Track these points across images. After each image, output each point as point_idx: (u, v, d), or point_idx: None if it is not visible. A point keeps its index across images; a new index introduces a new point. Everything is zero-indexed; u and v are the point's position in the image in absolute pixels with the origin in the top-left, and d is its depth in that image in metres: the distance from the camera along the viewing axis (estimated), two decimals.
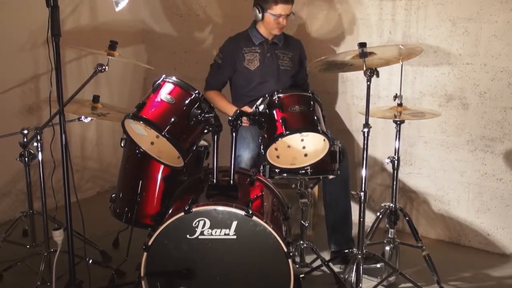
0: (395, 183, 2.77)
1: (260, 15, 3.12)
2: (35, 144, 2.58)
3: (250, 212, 2.12)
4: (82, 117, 2.82)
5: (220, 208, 2.15)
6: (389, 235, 2.79)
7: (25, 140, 2.74)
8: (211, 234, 2.16)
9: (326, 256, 3.06)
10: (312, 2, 3.63)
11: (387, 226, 2.82)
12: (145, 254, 2.18)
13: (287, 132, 2.27)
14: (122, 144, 2.85)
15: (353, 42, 3.51)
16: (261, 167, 2.67)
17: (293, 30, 3.62)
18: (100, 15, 3.94)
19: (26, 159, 2.75)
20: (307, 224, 2.79)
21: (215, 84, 3.30)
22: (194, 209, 2.14)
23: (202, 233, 2.16)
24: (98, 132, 4.17)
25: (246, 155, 2.96)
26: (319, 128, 2.30)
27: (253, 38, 3.23)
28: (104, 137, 4.23)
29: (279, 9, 3.05)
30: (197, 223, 2.15)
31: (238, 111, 2.33)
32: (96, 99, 2.91)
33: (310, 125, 2.33)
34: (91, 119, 2.85)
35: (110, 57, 2.67)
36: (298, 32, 3.63)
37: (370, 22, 3.45)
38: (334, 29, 3.59)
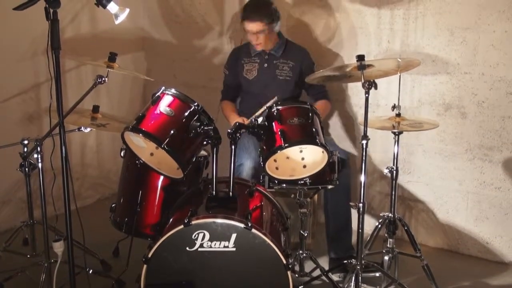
0: (393, 193, 2.78)
1: (243, 29, 3.23)
2: (35, 155, 2.58)
3: (250, 224, 2.13)
4: (82, 127, 2.83)
5: (220, 220, 2.17)
6: (388, 245, 2.80)
7: (25, 150, 2.76)
8: (211, 247, 2.17)
9: (325, 264, 3.08)
10: (311, 11, 3.64)
11: (386, 235, 2.83)
12: (145, 266, 2.19)
13: (286, 145, 2.28)
14: (122, 154, 2.87)
15: (352, 50, 3.53)
16: (261, 178, 2.69)
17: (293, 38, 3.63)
18: (99, 23, 3.95)
19: (27, 169, 2.77)
20: (306, 234, 2.80)
21: (226, 94, 3.47)
22: (193, 222, 2.15)
23: (201, 245, 2.17)
24: (98, 139, 4.18)
25: (248, 164, 2.97)
26: (317, 140, 2.31)
27: (251, 49, 3.31)
28: (104, 144, 4.24)
29: (246, 25, 3.15)
30: (197, 235, 2.16)
31: (237, 124, 2.34)
32: (96, 109, 2.92)
33: (308, 138, 2.34)
34: (91, 130, 2.86)
35: (109, 70, 2.68)
36: (297, 41, 3.64)
37: (369, 31, 3.47)
38: (333, 38, 3.60)
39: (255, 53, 3.29)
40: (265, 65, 3.27)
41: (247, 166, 2.94)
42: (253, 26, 3.11)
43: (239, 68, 3.32)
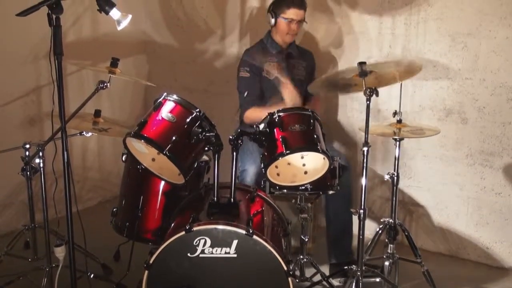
0: (394, 199, 2.78)
1: (273, 20, 3.19)
2: (37, 160, 2.59)
3: (251, 231, 2.13)
4: (84, 132, 2.84)
5: (221, 227, 2.17)
6: (389, 250, 2.81)
7: (27, 154, 2.76)
8: (212, 253, 2.17)
9: (326, 269, 3.08)
10: (313, 15, 3.64)
11: (386, 240, 2.83)
12: (146, 272, 2.19)
13: (287, 152, 2.28)
14: (123, 159, 2.87)
15: (353, 55, 3.54)
16: (262, 183, 2.69)
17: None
18: (101, 26, 3.95)
19: (28, 173, 2.77)
20: (306, 239, 2.80)
21: (252, 100, 3.21)
22: (195, 228, 2.15)
23: (203, 251, 2.17)
24: (99, 142, 4.19)
25: (252, 170, 2.98)
26: (318, 147, 2.31)
27: (270, 48, 3.28)
28: (106, 147, 4.25)
29: (291, 13, 3.13)
30: (198, 241, 2.16)
31: (239, 131, 2.35)
32: (97, 113, 2.93)
33: (310, 145, 2.34)
34: (93, 134, 2.87)
35: (111, 75, 2.69)
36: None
37: (370, 36, 3.47)
38: (334, 42, 3.61)
39: (276, 51, 3.26)
40: (284, 64, 3.26)
41: (251, 172, 2.94)
42: (299, 14, 3.14)
43: (258, 69, 3.25)
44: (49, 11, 2.01)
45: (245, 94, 3.22)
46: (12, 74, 3.47)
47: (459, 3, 3.14)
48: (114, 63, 2.74)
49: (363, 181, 2.46)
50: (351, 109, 3.63)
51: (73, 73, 3.85)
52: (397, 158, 2.75)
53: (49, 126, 2.39)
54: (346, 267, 2.83)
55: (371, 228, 3.44)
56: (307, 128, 2.36)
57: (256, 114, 3.07)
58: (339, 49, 3.60)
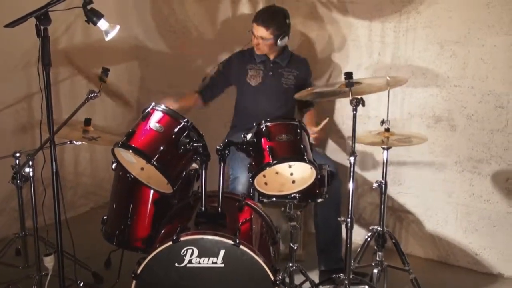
0: (383, 206, 2.80)
1: (250, 33, 3.24)
2: (27, 170, 2.60)
3: (238, 241, 2.15)
4: (74, 141, 2.85)
5: (208, 237, 2.18)
6: (377, 258, 2.82)
7: (17, 162, 2.77)
8: (199, 263, 2.18)
9: (315, 276, 3.10)
10: (303, 23, 3.66)
11: (375, 248, 2.85)
12: (134, 282, 2.20)
13: (274, 162, 2.30)
14: (113, 167, 2.88)
15: (343, 62, 3.56)
16: (251, 191, 2.70)
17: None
18: (93, 32, 3.94)
19: (19, 181, 2.78)
20: (296, 247, 2.81)
21: (206, 90, 3.39)
22: (182, 238, 2.17)
23: (190, 261, 2.18)
24: (91, 148, 4.19)
25: (243, 178, 2.98)
26: (305, 157, 2.32)
27: (255, 56, 3.31)
28: (98, 152, 4.25)
29: (254, 27, 3.19)
30: (185, 251, 2.17)
31: (227, 140, 2.37)
32: (87, 122, 2.94)
33: (297, 155, 2.34)
34: (82, 143, 2.88)
35: (102, 86, 2.71)
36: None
37: (360, 43, 3.49)
38: (324, 50, 3.63)
39: (260, 60, 3.29)
40: (270, 73, 3.29)
41: (242, 180, 2.95)
42: (257, 30, 3.16)
43: (241, 72, 3.30)
44: (37, 22, 2.02)
45: (204, 81, 3.40)
46: (3, 81, 3.47)
47: (447, 11, 3.17)
48: (105, 73, 2.75)
49: (351, 190, 2.48)
50: (341, 116, 3.65)
51: (65, 80, 3.85)
52: (385, 166, 2.76)
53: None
54: (334, 275, 2.84)
55: (361, 234, 3.46)
56: (294, 138, 2.38)
57: (187, 98, 3.36)
58: (328, 56, 3.62)
